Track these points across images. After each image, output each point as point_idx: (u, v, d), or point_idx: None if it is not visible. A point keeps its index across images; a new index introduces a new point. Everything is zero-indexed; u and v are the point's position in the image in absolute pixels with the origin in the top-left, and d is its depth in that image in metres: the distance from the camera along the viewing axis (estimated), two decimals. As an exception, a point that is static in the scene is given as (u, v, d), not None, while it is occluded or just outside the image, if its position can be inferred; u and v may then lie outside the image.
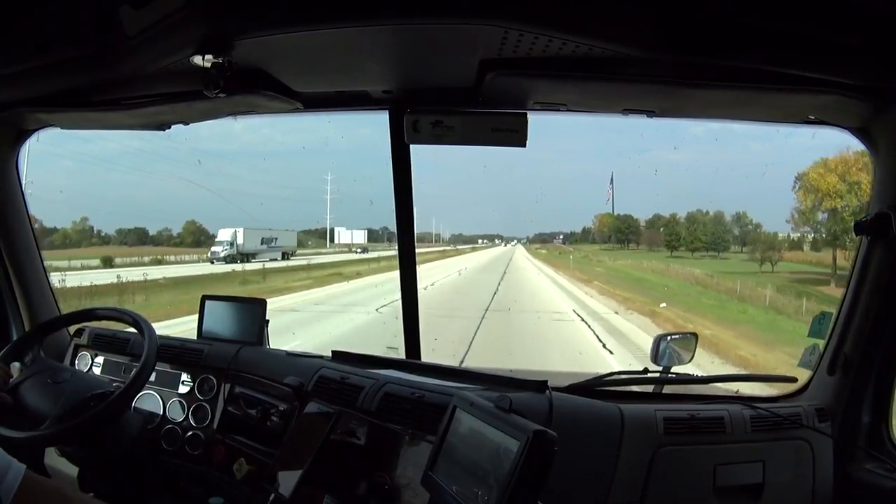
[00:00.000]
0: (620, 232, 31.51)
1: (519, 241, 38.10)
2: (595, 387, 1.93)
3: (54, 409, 1.79)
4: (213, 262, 21.71)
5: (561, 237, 34.60)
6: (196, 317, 2.43)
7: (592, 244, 33.35)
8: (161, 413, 2.21)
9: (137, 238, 24.99)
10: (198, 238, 25.57)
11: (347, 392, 1.87)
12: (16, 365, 1.94)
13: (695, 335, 2.18)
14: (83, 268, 18.84)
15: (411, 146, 2.10)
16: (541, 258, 32.61)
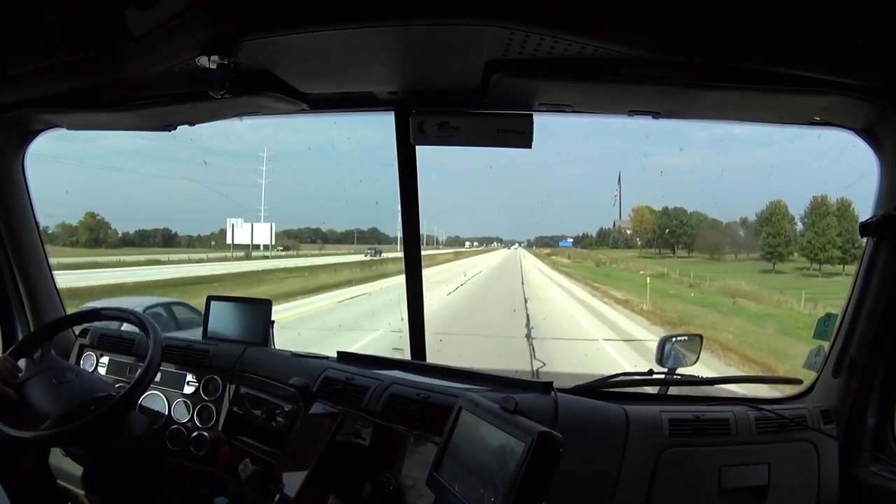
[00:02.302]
0: (669, 233, 23.96)
1: (520, 244, 32.16)
2: (600, 388, 1.92)
3: (56, 409, 1.79)
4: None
5: (570, 240, 28.38)
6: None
7: (614, 248, 26.23)
8: (166, 413, 2.21)
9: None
10: (96, 235, 21.55)
11: (353, 393, 1.87)
12: (21, 363, 1.95)
13: (700, 337, 2.18)
14: None
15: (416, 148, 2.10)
16: (586, 282, 20.98)
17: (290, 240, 25.52)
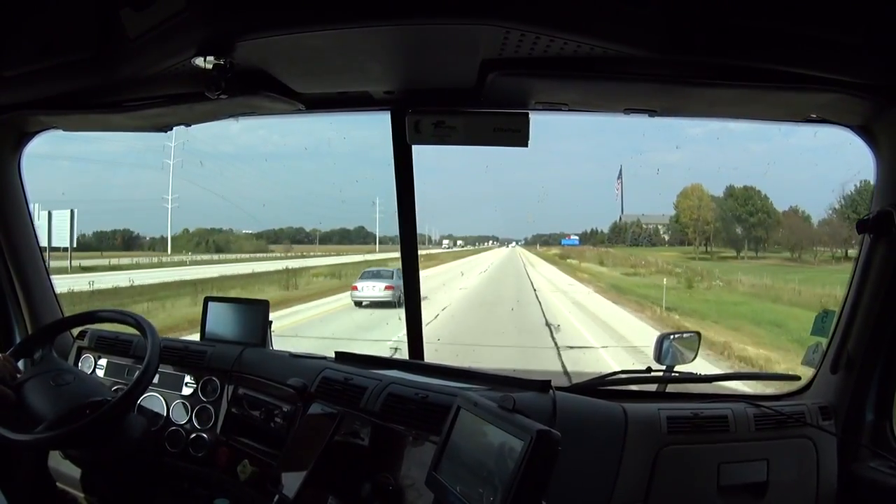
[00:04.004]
0: (740, 221, 17.12)
1: (517, 242, 26.94)
2: (598, 386, 1.93)
3: (52, 412, 1.79)
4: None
5: (574, 237, 22.55)
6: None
7: (634, 246, 20.69)
8: (165, 415, 2.21)
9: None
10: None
11: (351, 393, 1.87)
12: (20, 365, 1.95)
13: (698, 334, 2.18)
14: None
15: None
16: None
17: (258, 240, 23.53)
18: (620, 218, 21.91)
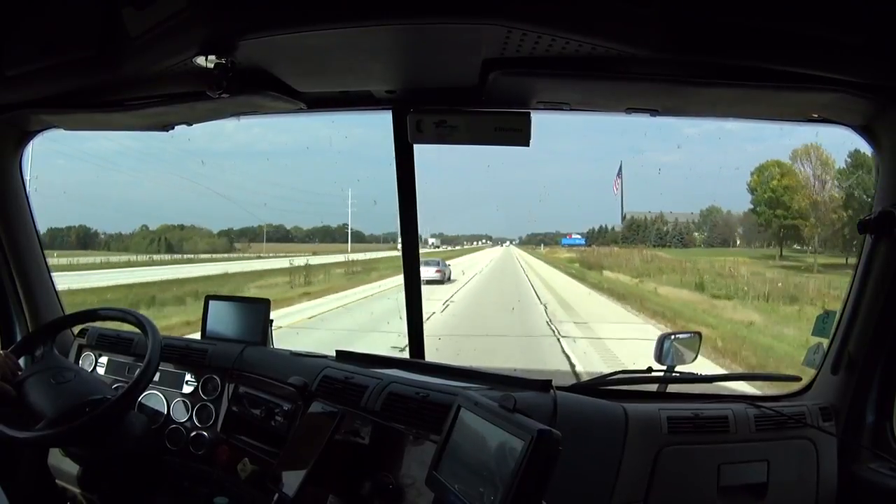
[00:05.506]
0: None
1: (511, 242, 24.67)
2: (599, 386, 1.93)
3: (51, 410, 1.79)
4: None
5: (577, 236, 19.17)
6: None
7: (662, 247, 17.13)
8: (165, 413, 2.21)
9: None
10: None
11: (352, 392, 1.87)
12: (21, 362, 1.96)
13: (699, 334, 2.17)
14: None
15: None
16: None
17: (220, 238, 21.64)
18: (623, 216, 18.92)
